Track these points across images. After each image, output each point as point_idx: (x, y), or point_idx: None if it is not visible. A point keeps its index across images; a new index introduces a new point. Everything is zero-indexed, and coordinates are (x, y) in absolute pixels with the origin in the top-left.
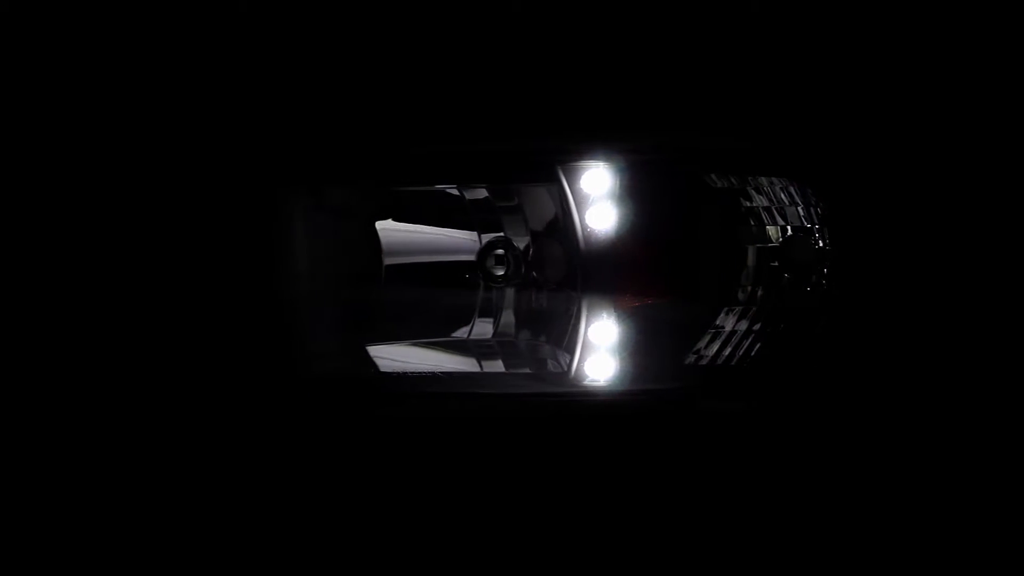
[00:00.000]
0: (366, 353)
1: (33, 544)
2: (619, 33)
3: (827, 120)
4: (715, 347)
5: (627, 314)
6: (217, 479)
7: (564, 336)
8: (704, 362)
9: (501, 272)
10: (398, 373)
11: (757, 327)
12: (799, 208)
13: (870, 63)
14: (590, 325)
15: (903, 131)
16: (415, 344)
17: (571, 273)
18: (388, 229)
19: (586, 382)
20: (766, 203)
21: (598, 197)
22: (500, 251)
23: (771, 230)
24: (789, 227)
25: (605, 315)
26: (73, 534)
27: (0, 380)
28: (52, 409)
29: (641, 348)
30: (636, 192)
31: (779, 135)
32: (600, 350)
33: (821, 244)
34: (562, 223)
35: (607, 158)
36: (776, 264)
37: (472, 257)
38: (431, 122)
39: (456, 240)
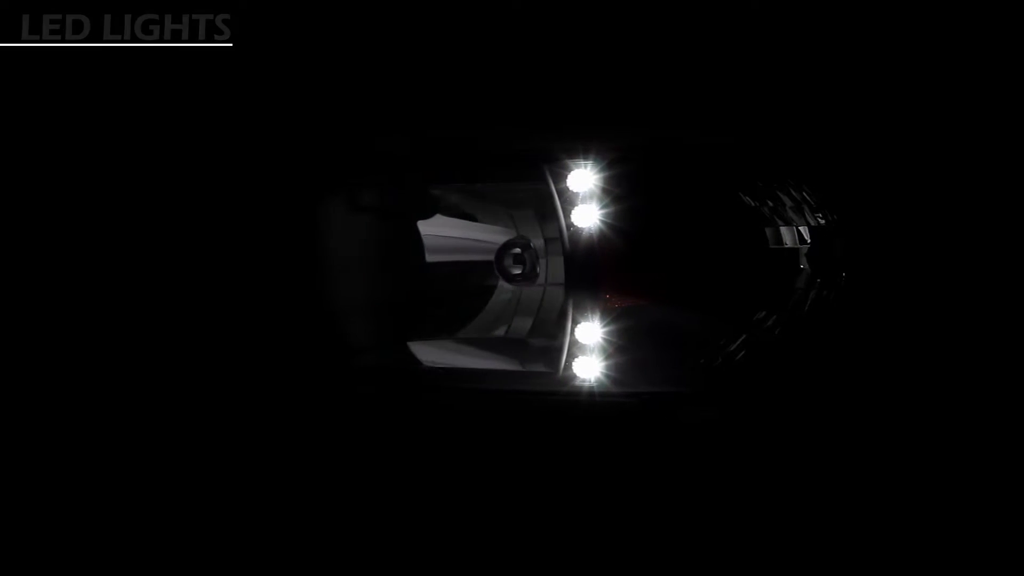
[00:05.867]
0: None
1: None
2: (620, 35)
3: (828, 120)
4: (709, 352)
5: (614, 315)
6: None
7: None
8: (696, 366)
9: (518, 271)
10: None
11: (749, 333)
12: (806, 212)
13: (868, 64)
14: (576, 325)
15: (901, 132)
16: (435, 341)
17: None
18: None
19: (576, 383)
20: (762, 204)
21: (585, 196)
22: (517, 250)
23: (771, 232)
24: (789, 230)
25: (592, 315)
26: (150, 493)
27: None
28: (151, 386)
29: (630, 350)
30: (624, 191)
31: (775, 135)
32: (589, 351)
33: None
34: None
35: (595, 157)
36: (777, 268)
37: (490, 256)
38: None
39: (476, 239)
